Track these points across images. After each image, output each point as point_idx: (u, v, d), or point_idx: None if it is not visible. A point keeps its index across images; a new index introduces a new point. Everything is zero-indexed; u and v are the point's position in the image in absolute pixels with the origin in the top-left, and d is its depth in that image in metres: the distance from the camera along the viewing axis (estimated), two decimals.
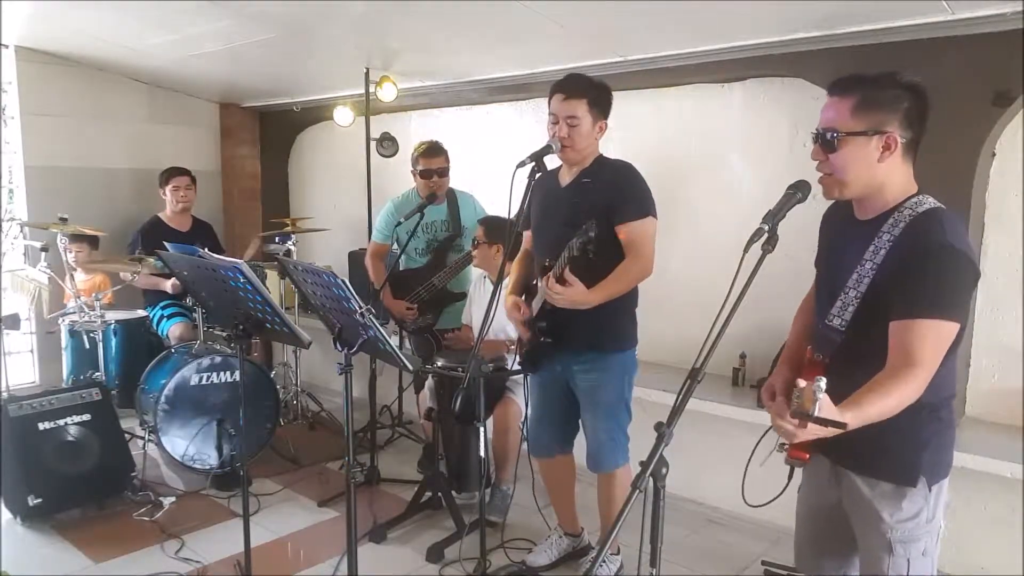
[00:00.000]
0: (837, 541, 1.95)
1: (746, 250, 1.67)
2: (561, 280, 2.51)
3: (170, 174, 4.79)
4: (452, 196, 4.03)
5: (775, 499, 2.06)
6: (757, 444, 2.20)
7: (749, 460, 2.07)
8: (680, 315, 3.63)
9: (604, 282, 2.57)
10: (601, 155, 2.77)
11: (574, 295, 2.51)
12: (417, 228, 3.83)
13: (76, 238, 4.56)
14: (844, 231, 1.83)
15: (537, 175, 2.66)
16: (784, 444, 1.78)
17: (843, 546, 1.94)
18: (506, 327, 3.53)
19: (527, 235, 2.98)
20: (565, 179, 2.79)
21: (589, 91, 2.66)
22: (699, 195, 3.84)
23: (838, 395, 1.45)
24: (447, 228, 4.04)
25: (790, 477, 2.03)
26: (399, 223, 3.95)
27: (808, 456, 1.82)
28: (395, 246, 4.12)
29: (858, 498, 1.81)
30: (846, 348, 1.74)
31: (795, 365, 1.95)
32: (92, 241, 4.68)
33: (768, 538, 3.43)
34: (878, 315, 1.65)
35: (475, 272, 3.89)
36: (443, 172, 3.92)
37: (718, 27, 3.22)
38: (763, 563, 3.12)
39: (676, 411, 1.60)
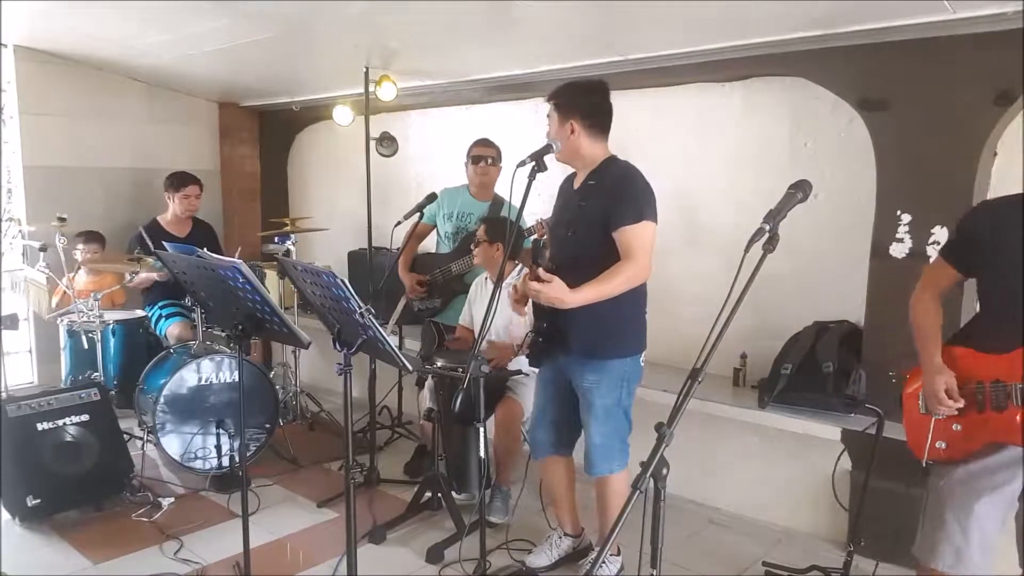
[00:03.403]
0: None
1: (747, 250, 1.66)
2: (538, 279, 2.52)
3: (181, 181, 4.72)
4: (499, 201, 4.06)
5: None
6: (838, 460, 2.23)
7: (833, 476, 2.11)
8: (681, 315, 3.62)
9: (590, 283, 2.55)
10: (612, 157, 2.76)
11: (551, 291, 2.50)
12: (447, 211, 4.02)
13: (90, 238, 4.57)
14: None
15: (539, 174, 2.64)
16: None
17: None
18: (508, 326, 3.52)
19: None
20: (577, 182, 2.81)
21: (556, 95, 2.73)
22: (699, 195, 3.83)
23: None
24: (479, 224, 4.06)
25: None
26: (399, 223, 3.96)
27: None
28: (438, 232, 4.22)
29: None
30: None
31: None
32: (102, 241, 4.69)
33: (769, 539, 3.43)
34: None
35: (479, 270, 3.88)
36: (494, 160, 4.01)
37: (719, 26, 3.22)
38: (764, 564, 3.11)
39: (677, 411, 1.59)
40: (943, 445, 2.11)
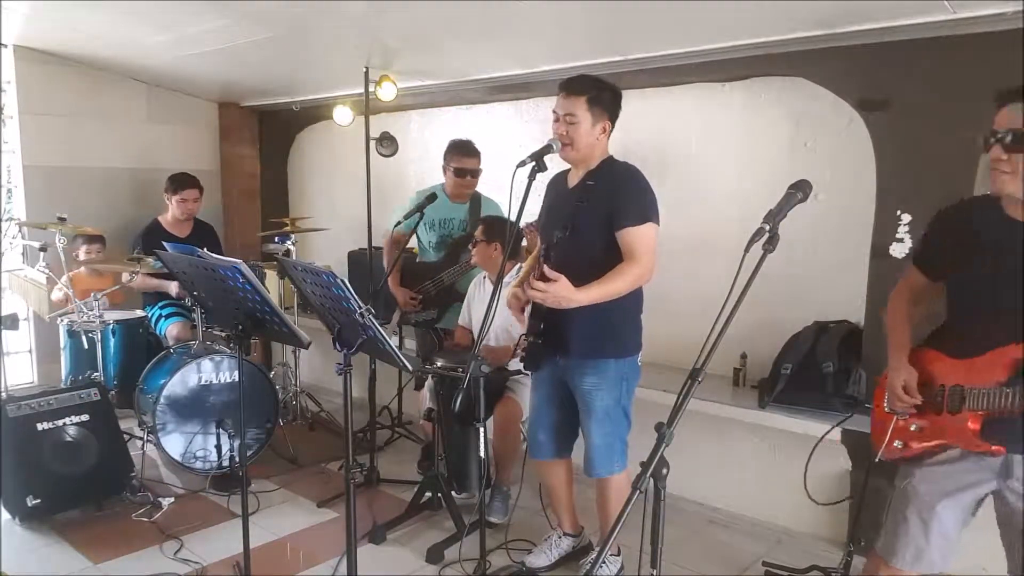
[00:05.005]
0: None
1: (747, 250, 1.66)
2: (544, 279, 2.49)
3: (180, 184, 4.70)
4: (476, 198, 4.04)
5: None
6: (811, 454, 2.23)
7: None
8: (680, 315, 3.62)
9: (595, 282, 2.53)
10: (610, 157, 2.74)
11: (558, 290, 2.45)
12: (427, 220, 3.90)
13: (91, 239, 4.57)
14: (1009, 235, 1.91)
15: (538, 174, 2.63)
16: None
17: None
18: (508, 327, 3.52)
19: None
20: (572, 181, 2.78)
21: (589, 89, 2.64)
22: (699, 195, 3.83)
23: None
24: (464, 228, 4.04)
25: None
26: (398, 223, 3.95)
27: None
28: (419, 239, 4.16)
29: None
30: None
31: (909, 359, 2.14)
32: (103, 241, 4.69)
33: (769, 539, 3.43)
34: None
35: (474, 272, 3.88)
36: (476, 174, 3.97)
37: (719, 26, 3.22)
38: (764, 564, 3.11)
39: (677, 411, 1.59)
40: (900, 444, 2.13)
